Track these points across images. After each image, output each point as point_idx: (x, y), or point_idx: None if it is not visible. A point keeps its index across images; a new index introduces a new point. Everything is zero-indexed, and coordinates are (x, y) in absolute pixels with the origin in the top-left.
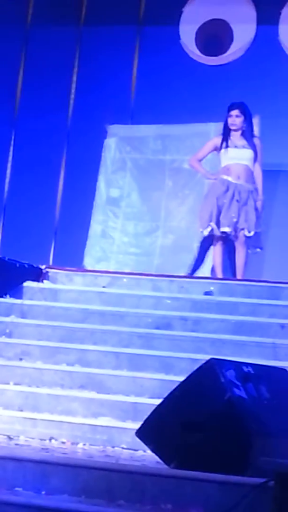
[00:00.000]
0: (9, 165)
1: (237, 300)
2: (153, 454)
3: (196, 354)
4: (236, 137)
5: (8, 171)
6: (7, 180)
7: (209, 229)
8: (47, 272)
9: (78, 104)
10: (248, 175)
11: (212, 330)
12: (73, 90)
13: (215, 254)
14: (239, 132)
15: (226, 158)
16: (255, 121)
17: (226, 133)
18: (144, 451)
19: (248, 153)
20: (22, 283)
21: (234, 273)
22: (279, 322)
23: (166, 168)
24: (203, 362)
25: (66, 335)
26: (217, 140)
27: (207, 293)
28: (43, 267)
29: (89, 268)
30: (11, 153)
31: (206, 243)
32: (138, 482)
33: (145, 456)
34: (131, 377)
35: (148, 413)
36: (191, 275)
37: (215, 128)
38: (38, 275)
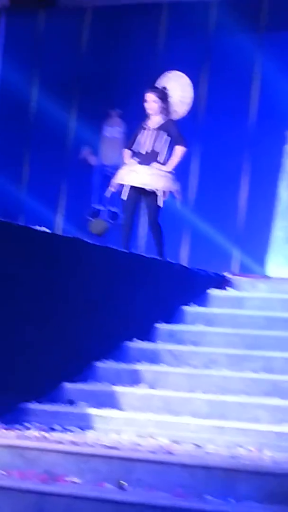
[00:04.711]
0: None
1: None
2: None
3: None
4: None
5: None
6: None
7: None
8: (231, 279)
9: (260, 110)
10: None
11: None
12: (254, 98)
13: None
14: None
15: None
16: None
17: None
18: None
19: None
20: (206, 291)
21: None
22: None
23: None
24: None
25: (251, 343)
26: None
27: None
28: (227, 274)
29: (272, 274)
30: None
31: None
32: None
33: None
34: None
35: None
36: None
37: None
38: (222, 283)
